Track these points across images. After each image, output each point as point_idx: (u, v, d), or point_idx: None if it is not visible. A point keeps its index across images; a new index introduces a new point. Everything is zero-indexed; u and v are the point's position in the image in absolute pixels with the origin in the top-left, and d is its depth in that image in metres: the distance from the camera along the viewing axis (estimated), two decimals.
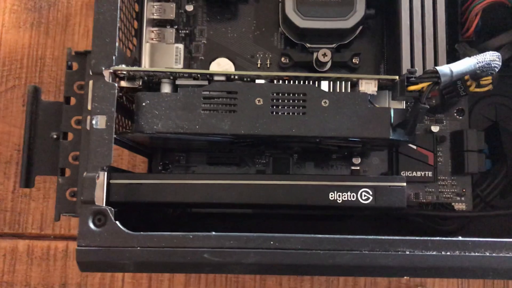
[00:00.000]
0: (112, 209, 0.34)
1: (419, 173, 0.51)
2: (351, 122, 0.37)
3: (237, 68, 0.52)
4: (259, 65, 0.53)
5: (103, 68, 0.35)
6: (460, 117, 0.52)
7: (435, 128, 0.51)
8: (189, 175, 0.40)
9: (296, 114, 0.37)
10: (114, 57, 0.35)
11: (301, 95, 0.38)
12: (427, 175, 0.51)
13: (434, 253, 0.33)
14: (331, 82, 0.39)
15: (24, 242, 0.62)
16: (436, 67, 0.35)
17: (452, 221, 0.51)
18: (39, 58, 0.64)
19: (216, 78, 0.39)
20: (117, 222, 0.33)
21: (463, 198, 0.51)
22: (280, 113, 0.37)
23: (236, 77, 0.39)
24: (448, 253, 0.33)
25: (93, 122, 0.34)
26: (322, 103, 0.37)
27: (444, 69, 0.35)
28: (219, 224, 0.47)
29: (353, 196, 0.38)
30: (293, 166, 0.52)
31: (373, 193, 0.37)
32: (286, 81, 0.39)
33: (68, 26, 0.64)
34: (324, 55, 0.48)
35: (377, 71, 0.53)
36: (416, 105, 0.36)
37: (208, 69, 0.52)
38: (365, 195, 0.38)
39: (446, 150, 0.52)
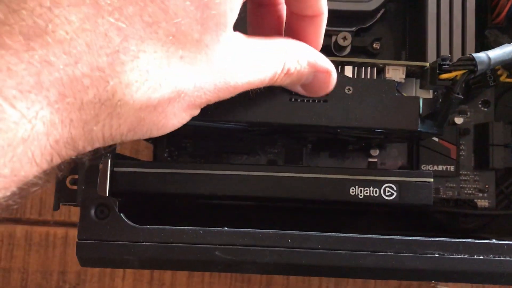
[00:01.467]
0: (116, 200, 0.31)
1: (440, 167, 0.48)
2: (377, 112, 0.34)
3: None
4: None
5: None
6: (485, 109, 0.49)
7: (458, 120, 0.48)
8: (199, 164, 0.37)
9: (317, 101, 0.35)
10: None
11: None
12: (448, 169, 0.48)
13: (466, 256, 0.30)
14: (355, 68, 0.36)
15: (22, 227, 0.59)
16: (472, 54, 0.32)
17: (473, 218, 0.49)
18: None
19: None
20: (121, 214, 0.30)
21: (486, 195, 0.48)
22: (299, 100, 0.35)
23: None
24: (481, 257, 0.30)
25: None
26: (346, 90, 0.34)
27: (481, 56, 0.32)
28: (229, 217, 0.44)
29: (376, 191, 0.35)
30: (307, 156, 0.50)
31: (398, 188, 0.35)
32: None
33: None
34: (344, 38, 0.45)
35: (398, 58, 0.50)
36: (448, 95, 0.33)
37: None
38: (388, 191, 0.35)
39: (469, 143, 0.49)
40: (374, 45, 0.48)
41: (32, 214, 0.61)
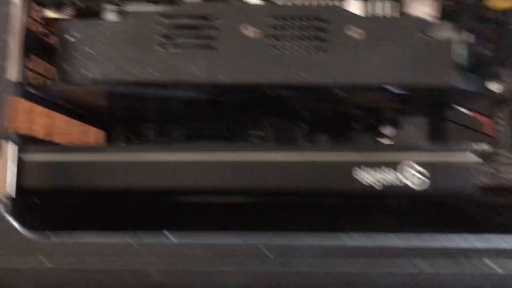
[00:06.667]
0: (9, 201, 0.21)
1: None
2: (397, 62, 0.24)
3: None
4: None
5: None
6: None
7: (496, 88, 0.38)
8: (145, 146, 0.27)
9: (311, 51, 0.24)
10: None
11: (319, 21, 0.24)
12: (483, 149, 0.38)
13: None
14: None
15: None
16: None
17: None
18: None
19: None
20: (11, 219, 0.20)
21: None
22: (286, 50, 0.24)
23: None
24: None
25: None
26: (352, 33, 0.24)
27: None
28: (200, 217, 0.34)
29: (397, 178, 0.24)
30: (302, 140, 0.39)
31: (431, 172, 0.24)
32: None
33: None
34: None
35: None
36: (501, 29, 0.23)
37: None
38: (418, 178, 0.24)
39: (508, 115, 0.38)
40: None
41: None
